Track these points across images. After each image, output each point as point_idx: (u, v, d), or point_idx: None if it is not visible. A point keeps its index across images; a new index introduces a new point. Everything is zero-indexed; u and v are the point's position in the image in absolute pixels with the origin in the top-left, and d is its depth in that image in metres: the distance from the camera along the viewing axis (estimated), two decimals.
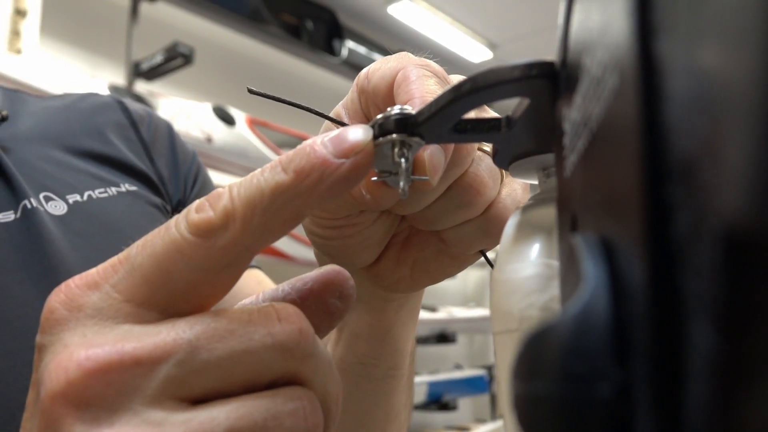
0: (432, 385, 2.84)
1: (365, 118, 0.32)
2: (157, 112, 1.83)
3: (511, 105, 0.24)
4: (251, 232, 0.21)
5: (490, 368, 3.32)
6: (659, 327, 0.10)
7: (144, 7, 2.19)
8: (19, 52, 1.66)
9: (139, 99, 1.80)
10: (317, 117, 0.33)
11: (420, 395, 2.76)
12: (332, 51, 2.85)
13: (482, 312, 3.12)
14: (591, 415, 0.11)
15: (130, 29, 2.12)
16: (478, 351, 3.95)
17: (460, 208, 0.31)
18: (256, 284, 0.56)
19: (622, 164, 0.12)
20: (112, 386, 0.20)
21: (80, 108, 0.58)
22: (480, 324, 3.22)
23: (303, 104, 0.31)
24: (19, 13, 1.69)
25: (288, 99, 0.30)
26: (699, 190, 0.10)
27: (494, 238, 0.32)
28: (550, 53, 0.21)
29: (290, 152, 0.22)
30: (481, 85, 0.21)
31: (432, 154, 0.26)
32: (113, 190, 0.51)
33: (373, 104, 0.31)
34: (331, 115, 0.34)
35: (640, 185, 0.11)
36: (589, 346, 0.11)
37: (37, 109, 0.55)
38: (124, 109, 0.60)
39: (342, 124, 0.32)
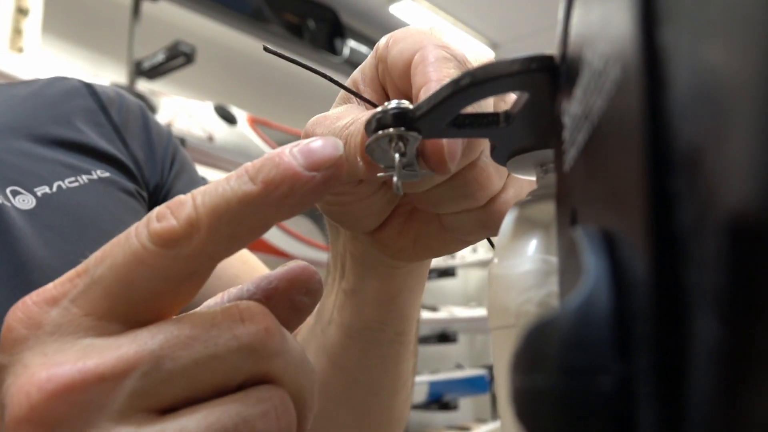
0: (433, 385, 2.84)
1: (380, 86, 0.32)
2: (159, 110, 1.83)
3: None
4: (216, 241, 0.21)
5: (491, 368, 3.31)
6: (662, 319, 0.10)
7: (146, 6, 2.19)
8: (20, 50, 1.66)
9: (141, 98, 1.80)
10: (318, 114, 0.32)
11: (421, 395, 2.76)
12: (334, 50, 2.85)
13: (483, 312, 3.12)
14: (592, 409, 0.11)
15: (132, 28, 2.12)
16: (479, 351, 3.95)
17: (460, 198, 0.30)
18: (241, 264, 0.55)
19: (625, 155, 0.12)
20: (76, 406, 0.19)
21: (46, 95, 0.55)
22: (481, 324, 3.22)
23: (323, 72, 0.31)
24: (21, 11, 1.69)
25: (304, 63, 0.30)
26: (703, 180, 0.09)
27: (492, 231, 0.31)
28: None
29: (257, 161, 0.21)
30: (480, 80, 0.21)
31: (450, 144, 0.26)
32: (84, 178, 0.49)
33: (389, 77, 0.31)
34: (348, 79, 0.33)
35: (643, 176, 0.11)
36: (591, 338, 0.11)
37: (1, 99, 0.53)
38: (93, 93, 0.57)
39: (356, 95, 0.32)
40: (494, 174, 0.30)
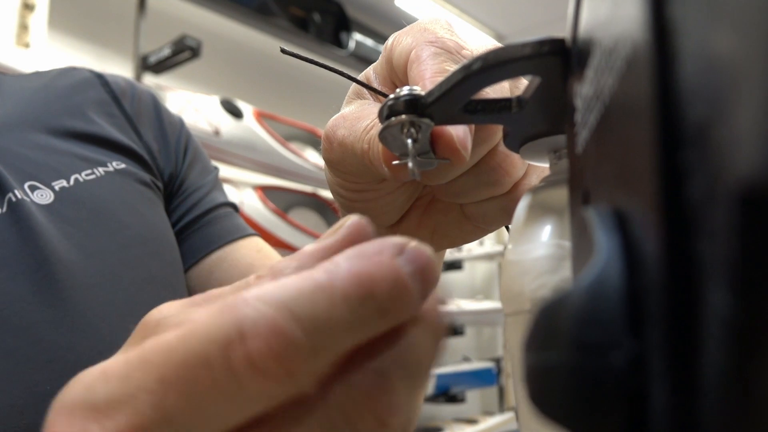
0: (440, 378, 2.84)
1: (392, 84, 0.32)
2: (165, 105, 1.83)
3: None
4: None
5: (498, 361, 3.32)
6: (674, 293, 0.10)
7: (151, 1, 2.19)
8: (27, 46, 1.66)
9: None
10: (324, 110, 0.32)
11: (428, 387, 2.76)
12: (340, 44, 2.85)
13: (490, 305, 3.12)
14: (604, 385, 0.11)
15: (138, 22, 2.12)
16: (486, 343, 3.95)
17: (486, 185, 0.30)
18: (255, 252, 0.55)
19: (635, 131, 0.12)
20: None
21: (59, 87, 0.55)
22: (488, 316, 3.21)
23: (340, 70, 0.31)
24: (27, 6, 1.70)
25: (321, 62, 0.30)
26: (714, 151, 0.09)
27: (494, 186, 0.31)
28: None
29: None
30: (492, 63, 0.21)
31: (458, 131, 0.26)
32: (100, 170, 0.49)
33: (395, 76, 0.31)
34: (360, 77, 0.33)
35: (654, 151, 0.11)
36: (603, 315, 0.11)
37: (13, 91, 0.53)
38: (105, 84, 0.57)
39: (371, 88, 0.32)
40: (518, 160, 0.30)
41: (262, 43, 2.67)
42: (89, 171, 0.49)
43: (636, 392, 0.11)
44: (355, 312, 0.16)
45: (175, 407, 0.16)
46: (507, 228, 0.34)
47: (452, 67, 0.27)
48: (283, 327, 0.16)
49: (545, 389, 0.12)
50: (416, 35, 0.30)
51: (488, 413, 3.38)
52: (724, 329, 0.09)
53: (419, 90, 0.24)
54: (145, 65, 2.10)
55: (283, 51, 0.29)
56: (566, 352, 0.11)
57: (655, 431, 0.10)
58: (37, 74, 0.58)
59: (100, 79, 0.57)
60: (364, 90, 0.33)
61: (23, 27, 1.68)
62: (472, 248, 3.32)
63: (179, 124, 0.60)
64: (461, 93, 0.23)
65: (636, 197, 0.12)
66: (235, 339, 0.16)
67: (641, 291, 0.11)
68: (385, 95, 0.31)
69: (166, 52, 2.05)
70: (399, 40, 0.31)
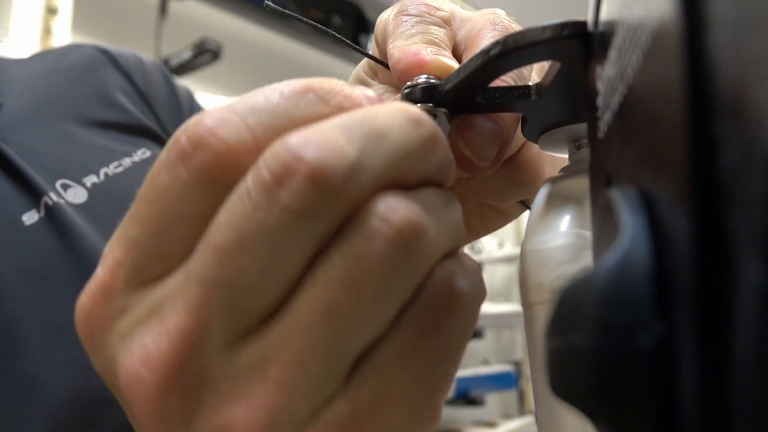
0: (459, 381, 2.82)
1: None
2: None
3: None
4: None
5: (517, 364, 3.30)
6: (705, 269, 0.10)
7: (173, 4, 2.21)
8: None
9: None
10: None
11: None
12: (359, 46, 2.85)
13: (510, 307, 3.10)
14: (631, 367, 0.11)
15: (159, 26, 2.14)
16: (505, 346, 3.92)
17: (517, 186, 0.29)
18: None
19: (663, 106, 0.12)
20: (186, 378, 0.18)
21: (66, 68, 0.53)
22: (508, 319, 3.19)
23: (335, 33, 0.30)
24: (51, 11, 1.72)
25: (311, 22, 0.29)
26: (749, 117, 0.09)
27: (526, 188, 0.29)
28: None
29: None
30: (511, 48, 0.20)
31: (485, 130, 0.24)
32: (127, 161, 0.48)
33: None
34: (351, 79, 0.32)
35: (684, 122, 0.10)
36: (629, 295, 0.11)
37: (20, 78, 0.51)
38: (113, 61, 0.55)
39: (378, 61, 0.30)
40: (545, 157, 0.28)
41: (281, 45, 2.68)
42: (116, 163, 0.48)
43: (664, 375, 0.10)
44: (290, 99, 0.19)
45: (165, 232, 0.19)
46: (525, 204, 0.32)
47: (433, 29, 0.26)
48: (226, 115, 0.19)
49: (568, 374, 0.12)
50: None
51: (507, 416, 3.35)
52: (761, 304, 0.09)
53: (434, 79, 0.23)
54: (167, 68, 2.12)
55: (266, 7, 0.28)
56: (591, 333, 0.11)
57: (684, 416, 0.10)
58: (39, 56, 0.56)
59: (107, 55, 0.55)
60: (367, 77, 0.32)
61: (47, 31, 1.70)
62: (491, 251, 3.30)
63: (189, 95, 0.58)
64: (479, 80, 0.22)
65: (664, 174, 0.11)
66: (184, 146, 0.19)
67: (670, 269, 0.11)
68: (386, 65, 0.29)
69: (187, 54, 2.06)
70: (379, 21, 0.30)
